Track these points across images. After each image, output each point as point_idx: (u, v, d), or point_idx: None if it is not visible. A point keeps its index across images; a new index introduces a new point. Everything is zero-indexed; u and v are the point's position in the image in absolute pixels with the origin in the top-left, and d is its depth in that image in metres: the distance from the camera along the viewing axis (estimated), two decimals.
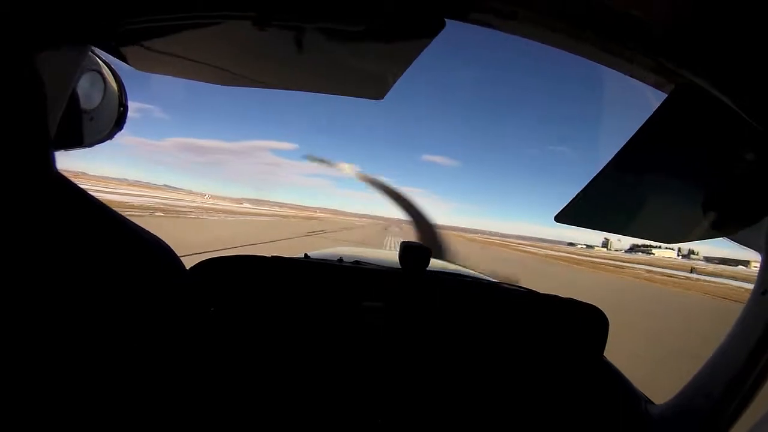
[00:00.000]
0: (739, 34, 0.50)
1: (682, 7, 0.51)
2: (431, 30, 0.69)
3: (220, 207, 49.75)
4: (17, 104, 0.51)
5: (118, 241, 0.61)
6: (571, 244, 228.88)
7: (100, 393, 0.54)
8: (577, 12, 0.60)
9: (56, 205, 0.55)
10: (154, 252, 0.66)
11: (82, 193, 0.58)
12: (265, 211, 62.10)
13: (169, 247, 0.69)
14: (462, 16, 0.67)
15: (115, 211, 0.63)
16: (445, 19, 0.67)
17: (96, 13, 0.66)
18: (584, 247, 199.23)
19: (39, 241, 0.51)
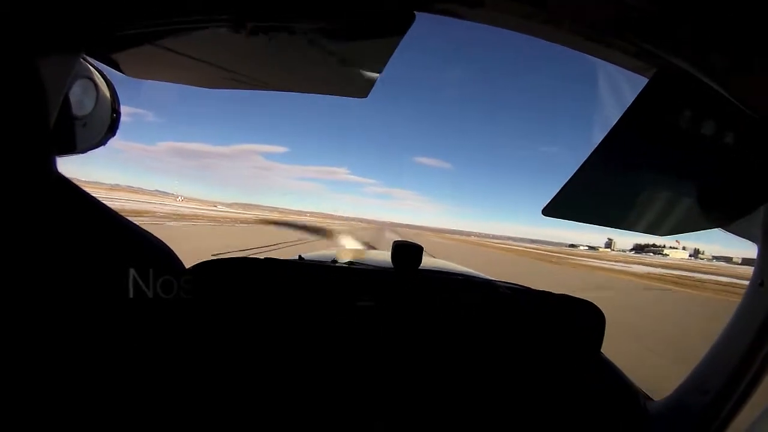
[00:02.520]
0: (717, 13, 0.50)
1: None
2: (402, 24, 0.70)
3: (174, 211, 43.01)
4: (16, 107, 0.54)
5: (118, 241, 0.64)
6: (572, 245, 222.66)
7: (99, 389, 0.56)
8: None
9: (57, 205, 0.57)
10: (153, 252, 0.69)
11: (83, 194, 0.60)
12: (223, 215, 55.33)
13: (168, 247, 0.71)
14: (428, 8, 0.67)
15: (115, 212, 0.65)
16: (415, 12, 0.68)
17: (86, 22, 0.68)
18: (587, 248, 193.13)
19: (40, 241, 0.53)
